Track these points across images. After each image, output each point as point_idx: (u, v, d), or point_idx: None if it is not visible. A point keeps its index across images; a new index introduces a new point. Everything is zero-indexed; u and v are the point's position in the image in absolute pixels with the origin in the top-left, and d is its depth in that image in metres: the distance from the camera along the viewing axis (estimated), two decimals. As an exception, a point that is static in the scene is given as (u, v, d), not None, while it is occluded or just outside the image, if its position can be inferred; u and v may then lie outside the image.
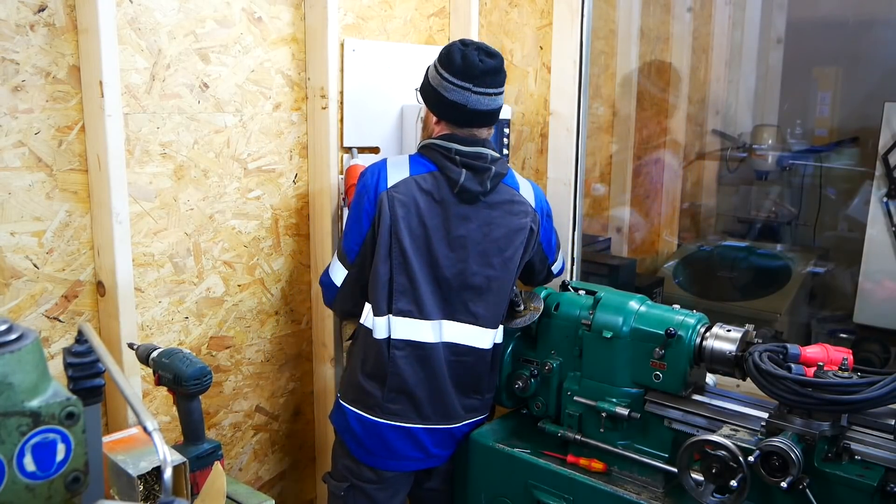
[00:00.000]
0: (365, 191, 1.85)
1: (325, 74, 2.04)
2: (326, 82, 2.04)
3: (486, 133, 1.88)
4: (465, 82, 1.78)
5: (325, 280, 1.94)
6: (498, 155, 1.87)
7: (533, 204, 1.94)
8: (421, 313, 1.83)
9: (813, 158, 3.84)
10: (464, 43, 1.82)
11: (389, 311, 1.82)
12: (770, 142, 3.89)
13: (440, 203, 1.83)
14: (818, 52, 3.88)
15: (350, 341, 2.02)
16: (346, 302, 1.92)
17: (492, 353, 1.93)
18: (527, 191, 1.95)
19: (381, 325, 1.83)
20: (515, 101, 2.78)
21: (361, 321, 1.88)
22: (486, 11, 2.61)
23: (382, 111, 2.26)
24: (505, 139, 2.38)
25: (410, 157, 1.88)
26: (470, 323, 1.87)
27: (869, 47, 3.65)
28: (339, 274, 1.89)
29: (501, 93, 1.85)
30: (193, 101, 1.83)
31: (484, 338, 1.90)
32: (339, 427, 1.94)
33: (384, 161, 1.88)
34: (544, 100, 2.82)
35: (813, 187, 3.82)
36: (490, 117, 1.85)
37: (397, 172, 1.83)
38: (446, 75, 1.80)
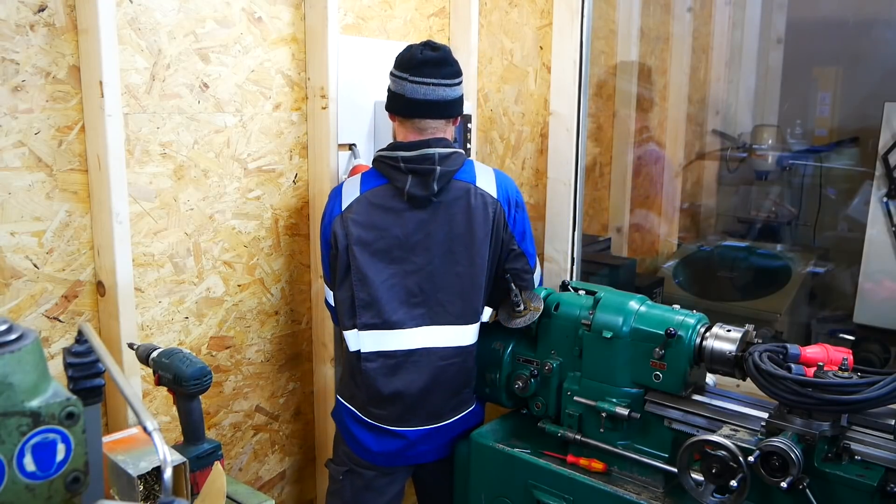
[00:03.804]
0: (322, 217, 1.95)
1: (325, 74, 2.04)
2: (326, 82, 2.05)
3: (442, 126, 1.88)
4: (402, 72, 1.85)
5: (326, 303, 2.06)
6: (450, 151, 1.86)
7: (494, 194, 1.91)
8: (389, 325, 1.86)
9: (813, 158, 3.84)
10: (419, 43, 1.88)
11: (355, 326, 1.88)
12: (770, 142, 3.89)
13: (395, 213, 1.86)
14: (818, 52, 3.89)
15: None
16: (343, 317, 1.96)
17: (476, 347, 1.97)
18: (486, 181, 1.91)
19: (352, 339, 1.90)
20: (515, 100, 2.77)
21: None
22: (486, 11, 2.61)
23: (359, 107, 2.25)
24: (468, 134, 2.43)
25: (363, 174, 1.93)
26: (451, 324, 1.90)
27: (869, 47, 3.65)
28: (329, 295, 2.00)
29: (444, 84, 1.84)
30: (193, 101, 1.83)
31: (467, 335, 1.93)
32: (337, 421, 2.03)
33: (342, 185, 1.94)
34: (544, 100, 2.82)
35: (813, 187, 3.82)
36: (431, 108, 1.84)
37: (351, 193, 1.89)
38: (391, 69, 1.89)
